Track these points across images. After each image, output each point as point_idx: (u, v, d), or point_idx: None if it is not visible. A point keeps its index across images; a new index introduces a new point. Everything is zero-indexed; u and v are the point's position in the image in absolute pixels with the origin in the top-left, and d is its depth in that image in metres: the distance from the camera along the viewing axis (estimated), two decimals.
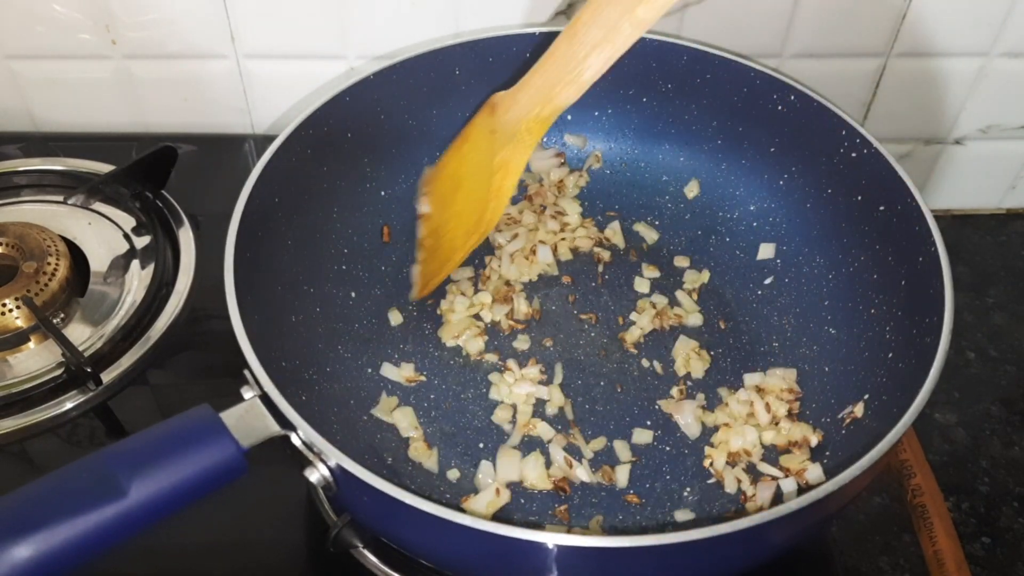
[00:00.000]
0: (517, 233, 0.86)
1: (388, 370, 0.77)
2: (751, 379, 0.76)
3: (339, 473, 0.56)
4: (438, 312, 0.82)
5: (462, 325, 0.80)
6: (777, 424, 0.73)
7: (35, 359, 0.78)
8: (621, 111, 0.90)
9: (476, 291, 0.83)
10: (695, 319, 0.81)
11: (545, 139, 0.91)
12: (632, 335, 0.80)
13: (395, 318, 0.81)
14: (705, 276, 0.84)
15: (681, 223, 0.89)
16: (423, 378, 0.77)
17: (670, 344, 0.80)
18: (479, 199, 0.75)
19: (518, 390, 0.75)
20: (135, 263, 0.85)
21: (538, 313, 0.82)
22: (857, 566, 0.71)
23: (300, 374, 0.72)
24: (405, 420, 0.74)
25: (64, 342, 0.75)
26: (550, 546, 0.52)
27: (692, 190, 0.89)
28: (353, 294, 0.81)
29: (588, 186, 0.91)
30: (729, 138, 0.86)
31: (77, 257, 0.85)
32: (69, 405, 0.75)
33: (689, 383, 0.77)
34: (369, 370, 0.77)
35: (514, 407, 0.75)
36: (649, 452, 0.73)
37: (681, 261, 0.86)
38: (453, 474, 0.71)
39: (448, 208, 0.80)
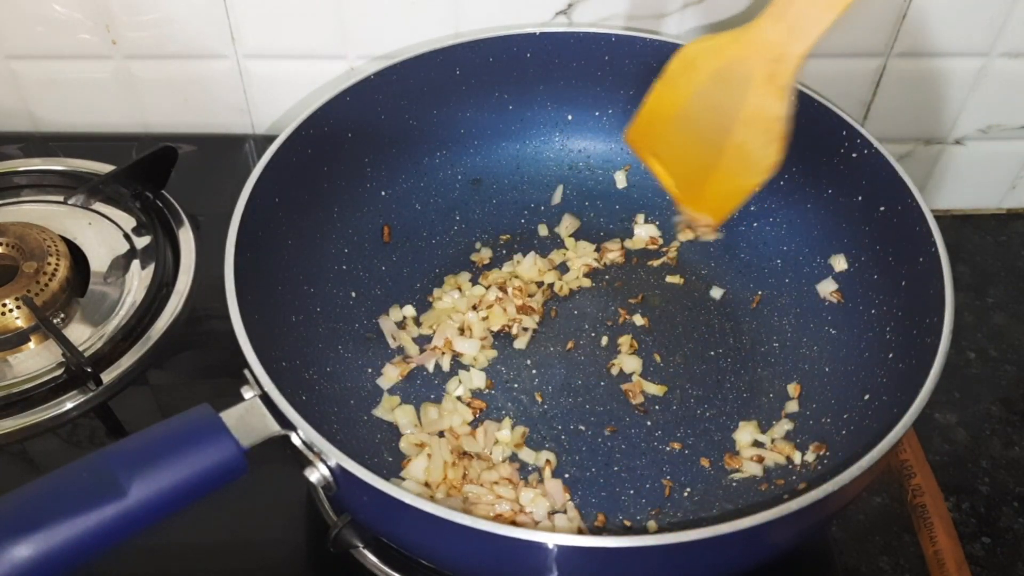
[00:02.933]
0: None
1: (388, 370, 0.77)
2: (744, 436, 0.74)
3: (339, 473, 0.56)
4: (428, 299, 0.82)
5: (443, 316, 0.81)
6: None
7: (35, 359, 0.78)
8: (621, 111, 0.90)
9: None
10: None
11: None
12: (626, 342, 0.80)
13: (395, 317, 0.81)
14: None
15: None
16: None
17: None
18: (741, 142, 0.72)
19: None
20: (135, 263, 0.85)
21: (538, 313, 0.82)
22: (857, 566, 0.71)
23: (300, 374, 0.72)
24: (406, 418, 0.74)
25: (64, 342, 0.75)
26: (550, 546, 0.52)
27: None
28: (353, 294, 0.81)
29: (588, 187, 0.91)
30: None
31: (77, 257, 0.85)
32: (69, 405, 0.75)
33: (692, 399, 0.77)
34: (369, 370, 0.77)
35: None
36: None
37: (683, 261, 0.86)
38: None
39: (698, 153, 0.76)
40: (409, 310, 0.81)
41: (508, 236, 0.88)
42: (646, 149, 0.80)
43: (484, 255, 0.86)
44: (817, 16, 0.66)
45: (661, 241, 0.87)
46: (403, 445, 0.72)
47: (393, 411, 0.74)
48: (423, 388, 0.77)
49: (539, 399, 0.76)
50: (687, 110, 0.74)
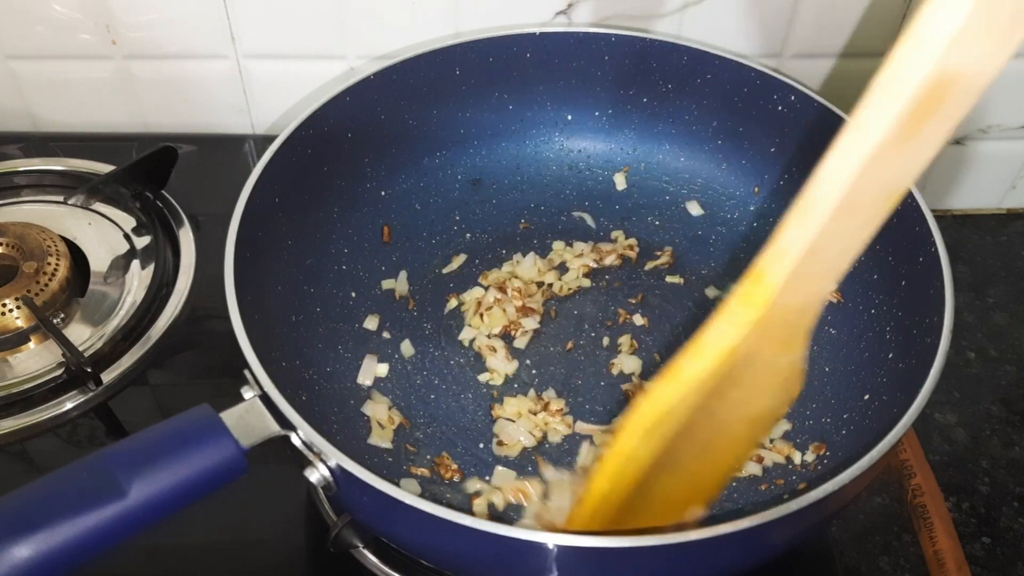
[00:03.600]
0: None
1: (381, 369, 0.77)
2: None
3: (339, 473, 0.56)
4: (461, 310, 0.82)
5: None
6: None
7: (35, 359, 0.78)
8: (621, 111, 0.90)
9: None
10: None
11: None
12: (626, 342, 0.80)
13: (373, 323, 0.81)
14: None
15: (681, 224, 0.89)
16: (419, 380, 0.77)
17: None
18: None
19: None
20: (135, 263, 0.85)
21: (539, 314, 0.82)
22: (857, 566, 0.71)
23: (300, 374, 0.72)
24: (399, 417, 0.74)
25: (64, 342, 0.75)
26: (550, 546, 0.52)
27: (692, 190, 0.89)
28: (353, 294, 0.81)
29: (588, 187, 0.91)
30: (729, 138, 0.86)
31: (77, 257, 0.85)
32: (69, 405, 0.75)
33: None
34: None
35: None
36: None
37: (682, 261, 0.86)
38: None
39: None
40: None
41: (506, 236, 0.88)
42: (597, 526, 0.57)
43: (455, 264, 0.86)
44: (847, 251, 0.49)
45: (638, 249, 0.87)
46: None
47: (388, 412, 0.74)
48: (423, 389, 0.77)
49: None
50: (655, 464, 0.53)
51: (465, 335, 0.79)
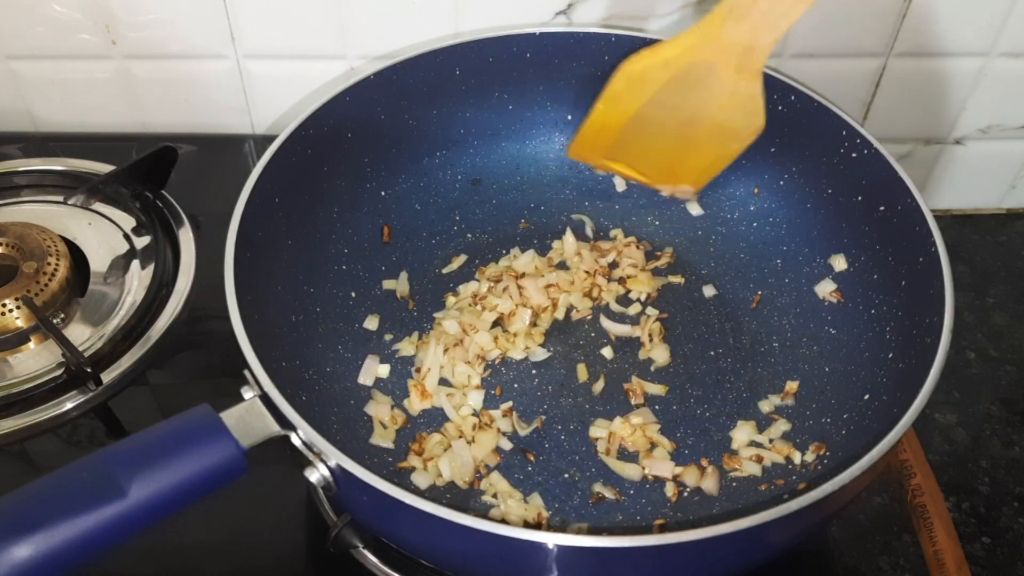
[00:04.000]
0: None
1: (383, 370, 0.77)
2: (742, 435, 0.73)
3: (339, 473, 0.56)
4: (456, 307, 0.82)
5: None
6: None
7: (35, 359, 0.78)
8: None
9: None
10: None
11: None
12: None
13: (373, 323, 0.80)
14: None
15: (681, 224, 0.89)
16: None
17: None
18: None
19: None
20: (135, 263, 0.85)
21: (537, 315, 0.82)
22: (857, 566, 0.71)
23: (300, 374, 0.72)
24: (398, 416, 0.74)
25: (64, 342, 0.75)
26: (550, 546, 0.52)
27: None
28: (353, 294, 0.81)
29: (588, 187, 0.91)
30: None
31: (77, 257, 0.85)
32: (69, 405, 0.75)
33: (692, 398, 0.77)
34: None
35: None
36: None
37: (683, 261, 0.86)
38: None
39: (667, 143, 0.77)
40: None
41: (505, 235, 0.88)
42: (597, 157, 0.80)
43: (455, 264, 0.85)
44: (786, 9, 0.65)
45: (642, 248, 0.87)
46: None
47: (390, 411, 0.74)
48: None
49: (539, 399, 0.76)
50: (641, 117, 0.74)
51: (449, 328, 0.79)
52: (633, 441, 0.72)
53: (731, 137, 0.74)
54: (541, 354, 0.78)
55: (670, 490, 0.69)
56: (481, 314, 0.79)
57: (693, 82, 0.70)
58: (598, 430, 0.73)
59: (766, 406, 0.75)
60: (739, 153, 0.76)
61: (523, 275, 0.82)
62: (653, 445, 0.72)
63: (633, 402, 0.75)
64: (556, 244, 0.87)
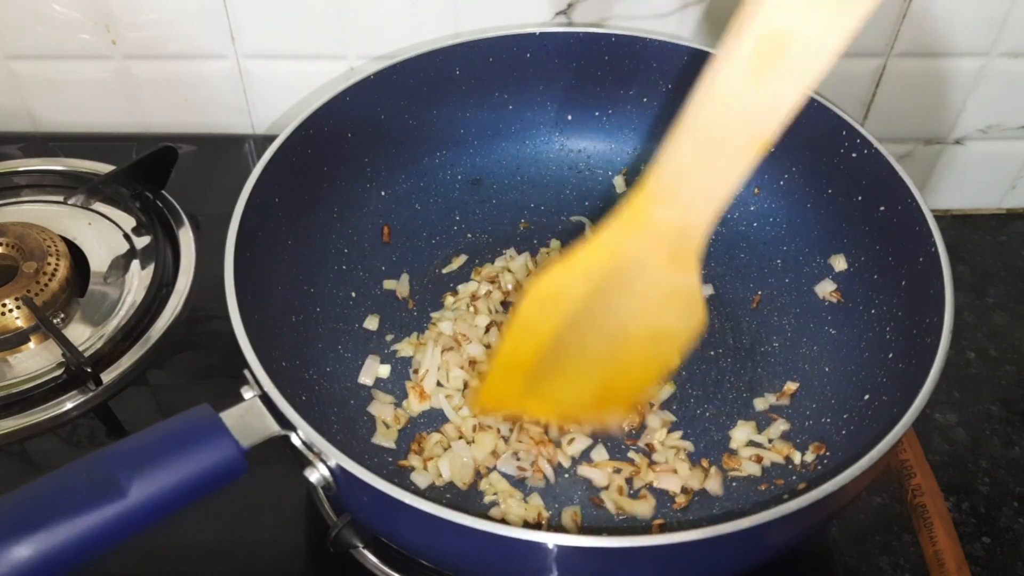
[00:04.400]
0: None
1: (383, 370, 0.77)
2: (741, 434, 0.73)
3: (339, 473, 0.56)
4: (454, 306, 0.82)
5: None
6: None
7: (35, 359, 0.78)
8: (621, 111, 0.90)
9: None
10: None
11: None
12: None
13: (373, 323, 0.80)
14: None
15: None
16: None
17: None
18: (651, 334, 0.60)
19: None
20: (135, 263, 0.85)
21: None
22: (857, 566, 0.71)
23: (300, 374, 0.72)
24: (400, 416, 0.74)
25: (64, 342, 0.75)
26: (550, 546, 0.52)
27: None
28: (353, 294, 0.81)
29: (588, 187, 0.91)
30: None
31: (77, 257, 0.85)
32: (69, 405, 0.75)
33: (692, 399, 0.77)
34: None
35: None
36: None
37: None
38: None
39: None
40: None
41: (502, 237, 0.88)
42: (511, 405, 0.66)
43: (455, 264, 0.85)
44: (721, 178, 0.54)
45: None
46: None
47: (394, 413, 0.74)
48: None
49: None
50: (560, 343, 0.60)
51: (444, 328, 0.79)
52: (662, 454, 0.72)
53: (666, 344, 0.61)
54: None
55: (680, 499, 0.69)
56: (475, 318, 0.79)
57: (620, 287, 0.58)
58: (596, 472, 0.71)
59: (766, 406, 0.75)
60: (676, 362, 0.67)
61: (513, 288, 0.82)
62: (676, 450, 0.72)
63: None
64: (555, 243, 0.87)
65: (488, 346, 0.78)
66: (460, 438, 0.72)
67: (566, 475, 0.71)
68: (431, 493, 0.70)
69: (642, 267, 0.56)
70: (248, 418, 0.58)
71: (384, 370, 0.77)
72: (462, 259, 0.85)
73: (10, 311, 0.78)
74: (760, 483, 0.70)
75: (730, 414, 0.75)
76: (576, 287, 0.57)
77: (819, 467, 0.70)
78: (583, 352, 0.61)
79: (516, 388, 0.63)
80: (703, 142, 0.52)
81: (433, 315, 0.81)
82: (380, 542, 0.68)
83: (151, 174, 0.90)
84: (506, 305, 0.82)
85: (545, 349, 0.60)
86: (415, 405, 0.75)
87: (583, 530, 0.68)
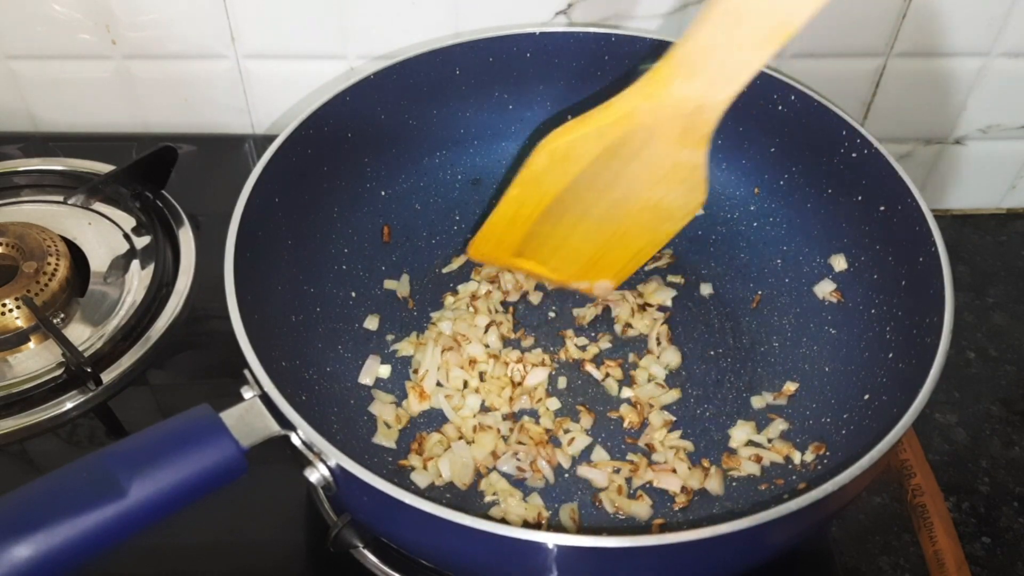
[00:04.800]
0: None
1: (384, 371, 0.77)
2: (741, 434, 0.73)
3: (339, 473, 0.56)
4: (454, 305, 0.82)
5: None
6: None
7: (35, 359, 0.78)
8: None
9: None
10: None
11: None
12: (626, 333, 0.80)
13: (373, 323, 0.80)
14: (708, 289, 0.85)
15: None
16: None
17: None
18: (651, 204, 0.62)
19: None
20: (135, 263, 0.85)
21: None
22: (857, 566, 0.71)
23: (300, 374, 0.72)
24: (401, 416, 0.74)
25: (64, 342, 0.75)
26: (550, 546, 0.52)
27: None
28: (353, 294, 0.81)
29: None
30: (729, 138, 0.86)
31: (77, 257, 0.85)
32: (69, 405, 0.75)
33: (691, 398, 0.77)
34: None
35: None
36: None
37: (682, 261, 0.86)
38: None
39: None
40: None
41: None
42: (504, 256, 0.69)
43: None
44: (745, 60, 0.54)
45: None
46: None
47: (395, 412, 0.74)
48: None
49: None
50: (562, 201, 0.62)
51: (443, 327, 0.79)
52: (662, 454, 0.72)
53: (665, 218, 0.63)
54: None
55: (680, 499, 0.69)
56: (474, 318, 0.79)
57: (628, 155, 0.59)
58: (596, 472, 0.71)
59: (765, 405, 0.75)
60: (671, 237, 0.67)
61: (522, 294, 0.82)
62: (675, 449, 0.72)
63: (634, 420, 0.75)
64: None
65: (488, 346, 0.78)
66: (460, 438, 0.72)
67: (566, 475, 0.71)
68: (431, 493, 0.70)
69: (654, 137, 0.58)
70: (248, 418, 0.58)
71: (384, 370, 0.77)
72: (462, 259, 0.85)
73: (10, 311, 0.78)
74: (760, 483, 0.70)
75: (730, 414, 0.75)
76: (588, 147, 0.60)
77: (819, 467, 0.70)
78: (584, 214, 0.63)
79: (515, 241, 0.66)
80: (731, 23, 0.52)
81: (433, 315, 0.81)
82: (380, 542, 0.68)
83: (151, 174, 0.90)
84: (506, 305, 0.82)
85: (548, 204, 0.62)
86: (415, 405, 0.75)
87: (583, 530, 0.68)
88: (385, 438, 0.72)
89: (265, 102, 0.98)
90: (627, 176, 0.61)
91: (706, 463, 0.72)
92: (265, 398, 0.58)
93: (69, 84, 0.96)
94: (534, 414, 0.75)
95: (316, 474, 0.57)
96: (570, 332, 0.80)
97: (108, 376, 0.76)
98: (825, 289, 0.80)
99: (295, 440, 0.57)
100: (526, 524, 0.68)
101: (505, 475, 0.71)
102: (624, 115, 0.58)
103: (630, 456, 0.72)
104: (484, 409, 0.75)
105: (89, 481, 0.53)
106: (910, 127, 0.95)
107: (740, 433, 0.73)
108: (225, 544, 0.70)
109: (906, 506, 0.73)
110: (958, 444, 0.79)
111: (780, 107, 0.81)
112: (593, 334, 0.80)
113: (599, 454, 0.72)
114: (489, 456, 0.71)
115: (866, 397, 0.70)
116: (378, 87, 0.82)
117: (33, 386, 0.75)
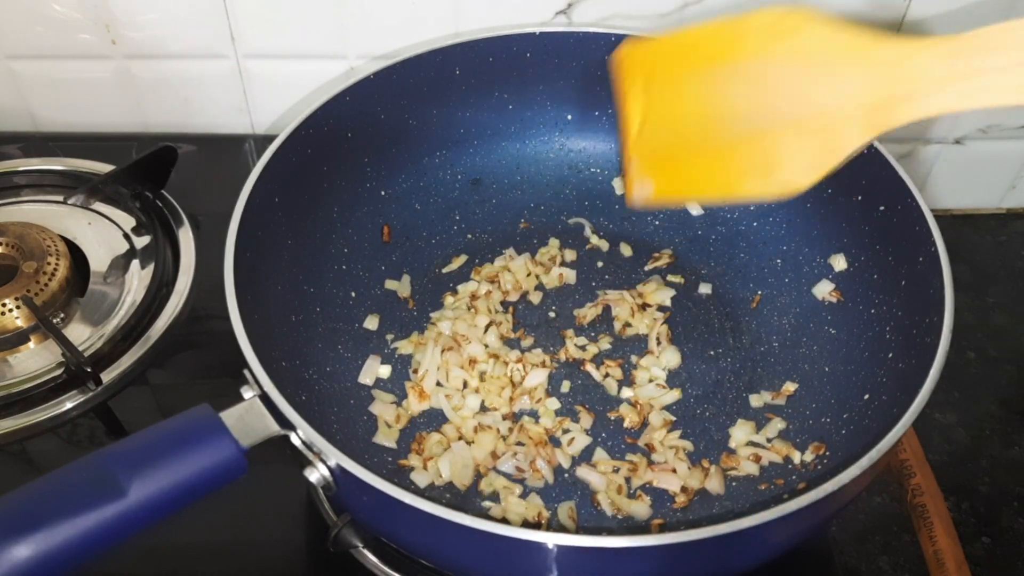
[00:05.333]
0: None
1: (384, 371, 0.77)
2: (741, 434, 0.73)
3: (339, 473, 0.56)
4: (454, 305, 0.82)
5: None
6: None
7: (35, 359, 0.78)
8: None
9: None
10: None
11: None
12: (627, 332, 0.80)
13: (373, 323, 0.80)
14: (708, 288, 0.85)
15: (681, 224, 0.88)
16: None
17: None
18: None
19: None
20: (135, 263, 0.85)
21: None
22: (857, 566, 0.71)
23: (300, 374, 0.72)
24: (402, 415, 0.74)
25: (64, 342, 0.75)
26: (550, 546, 0.52)
27: None
28: (353, 294, 0.81)
29: (588, 187, 0.91)
30: None
31: (77, 257, 0.85)
32: (69, 405, 0.75)
33: (691, 398, 0.77)
34: None
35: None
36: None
37: (682, 261, 0.86)
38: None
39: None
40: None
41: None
42: (638, 76, 0.63)
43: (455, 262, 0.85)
44: (1005, 85, 0.48)
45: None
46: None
47: (394, 410, 0.74)
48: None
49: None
50: (724, 70, 0.57)
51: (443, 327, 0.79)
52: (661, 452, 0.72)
53: (768, 172, 0.59)
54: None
55: (680, 499, 0.69)
56: (474, 318, 0.79)
57: (819, 81, 0.54)
58: (595, 474, 0.71)
59: (764, 405, 0.75)
60: (738, 197, 0.64)
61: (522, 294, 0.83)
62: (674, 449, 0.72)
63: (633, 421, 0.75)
64: (552, 243, 0.87)
65: (487, 346, 0.78)
66: (460, 438, 0.72)
67: (565, 475, 0.71)
68: (431, 493, 0.70)
69: (853, 80, 0.53)
70: (248, 418, 0.58)
71: (384, 370, 0.77)
72: (462, 259, 0.85)
73: (10, 311, 0.78)
74: (760, 483, 0.70)
75: (729, 414, 0.75)
76: (802, 42, 0.54)
77: (819, 467, 0.70)
78: (721, 99, 0.58)
79: (663, 71, 0.61)
80: (1004, 54, 0.48)
81: (433, 315, 0.81)
82: (380, 542, 0.68)
83: (151, 174, 0.90)
84: (506, 305, 0.82)
85: (717, 62, 0.58)
86: (415, 405, 0.75)
87: (582, 529, 0.68)
88: (386, 438, 0.72)
89: (265, 102, 0.98)
90: (790, 95, 0.56)
91: (706, 463, 0.72)
92: (265, 398, 0.58)
93: (69, 84, 0.96)
94: (534, 414, 0.75)
95: (316, 474, 0.57)
96: (570, 332, 0.80)
97: (108, 376, 0.76)
98: (825, 289, 0.80)
99: (295, 440, 0.57)
100: (526, 524, 0.68)
101: (505, 475, 0.71)
102: (856, 46, 0.53)
103: (630, 456, 0.72)
104: (484, 409, 0.75)
105: (89, 481, 0.53)
106: (910, 127, 0.95)
107: (740, 433, 0.73)
108: (225, 544, 0.70)
109: (906, 506, 0.73)
110: (958, 444, 0.79)
111: None
112: (593, 334, 0.80)
113: (599, 454, 0.72)
114: (489, 456, 0.71)
115: (866, 397, 0.70)
116: (378, 87, 0.82)
117: (33, 386, 0.75)
